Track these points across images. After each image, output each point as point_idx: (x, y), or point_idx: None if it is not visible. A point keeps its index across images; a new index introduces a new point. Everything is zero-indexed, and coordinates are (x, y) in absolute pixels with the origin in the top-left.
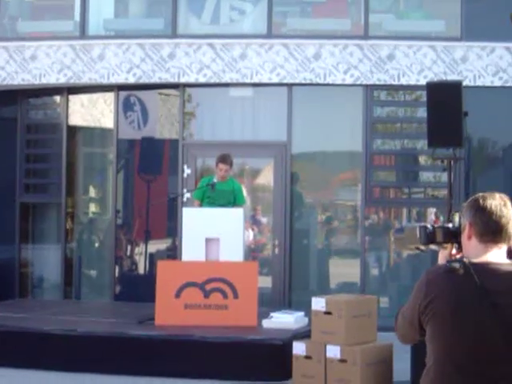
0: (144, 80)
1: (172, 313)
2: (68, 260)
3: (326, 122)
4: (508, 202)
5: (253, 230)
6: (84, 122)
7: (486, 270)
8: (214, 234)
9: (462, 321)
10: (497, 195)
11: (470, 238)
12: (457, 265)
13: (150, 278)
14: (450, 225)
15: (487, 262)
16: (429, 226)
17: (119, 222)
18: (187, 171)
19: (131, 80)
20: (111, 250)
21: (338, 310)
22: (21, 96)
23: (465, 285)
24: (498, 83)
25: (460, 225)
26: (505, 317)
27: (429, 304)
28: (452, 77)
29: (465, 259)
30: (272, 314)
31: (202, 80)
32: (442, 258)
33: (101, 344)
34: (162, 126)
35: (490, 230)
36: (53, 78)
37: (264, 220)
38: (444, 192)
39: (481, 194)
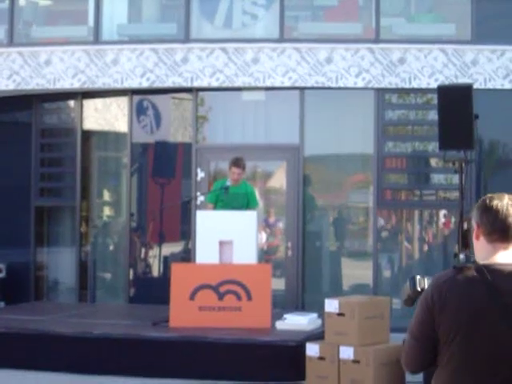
0: (157, 84)
1: (186, 315)
2: (83, 263)
3: (337, 125)
4: None
5: (266, 232)
6: (98, 127)
7: (495, 270)
8: (227, 237)
9: (475, 322)
10: (505, 196)
11: (477, 238)
12: (465, 265)
13: (164, 280)
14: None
15: (496, 263)
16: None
17: (133, 225)
18: (200, 175)
19: (145, 84)
20: (125, 252)
21: (351, 312)
22: (35, 101)
23: (477, 286)
24: (508, 86)
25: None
26: None
27: (443, 307)
28: (463, 80)
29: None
30: (285, 316)
31: (214, 84)
32: None
33: (116, 346)
34: (176, 130)
35: (497, 228)
36: (67, 83)
37: (277, 222)
38: (455, 194)
39: (489, 195)
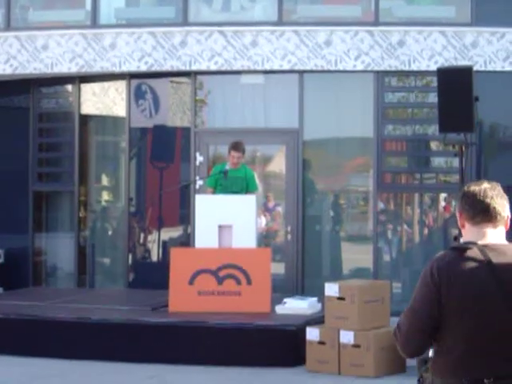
0: (155, 68)
1: (185, 299)
2: (81, 248)
3: (337, 108)
4: (497, 187)
5: (265, 216)
6: (96, 111)
7: (495, 249)
8: (226, 221)
9: (481, 303)
10: (484, 182)
11: (463, 226)
12: (465, 245)
13: (163, 265)
14: None
15: (489, 243)
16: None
17: (132, 209)
18: (199, 159)
19: (143, 68)
20: (124, 237)
21: (351, 296)
22: (33, 85)
23: (480, 267)
24: (508, 68)
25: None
26: None
27: (450, 289)
28: (462, 62)
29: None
30: (285, 300)
31: (213, 67)
32: None
33: (115, 331)
34: (174, 114)
35: (477, 209)
36: (65, 67)
37: (276, 207)
38: (456, 177)
39: (467, 184)
